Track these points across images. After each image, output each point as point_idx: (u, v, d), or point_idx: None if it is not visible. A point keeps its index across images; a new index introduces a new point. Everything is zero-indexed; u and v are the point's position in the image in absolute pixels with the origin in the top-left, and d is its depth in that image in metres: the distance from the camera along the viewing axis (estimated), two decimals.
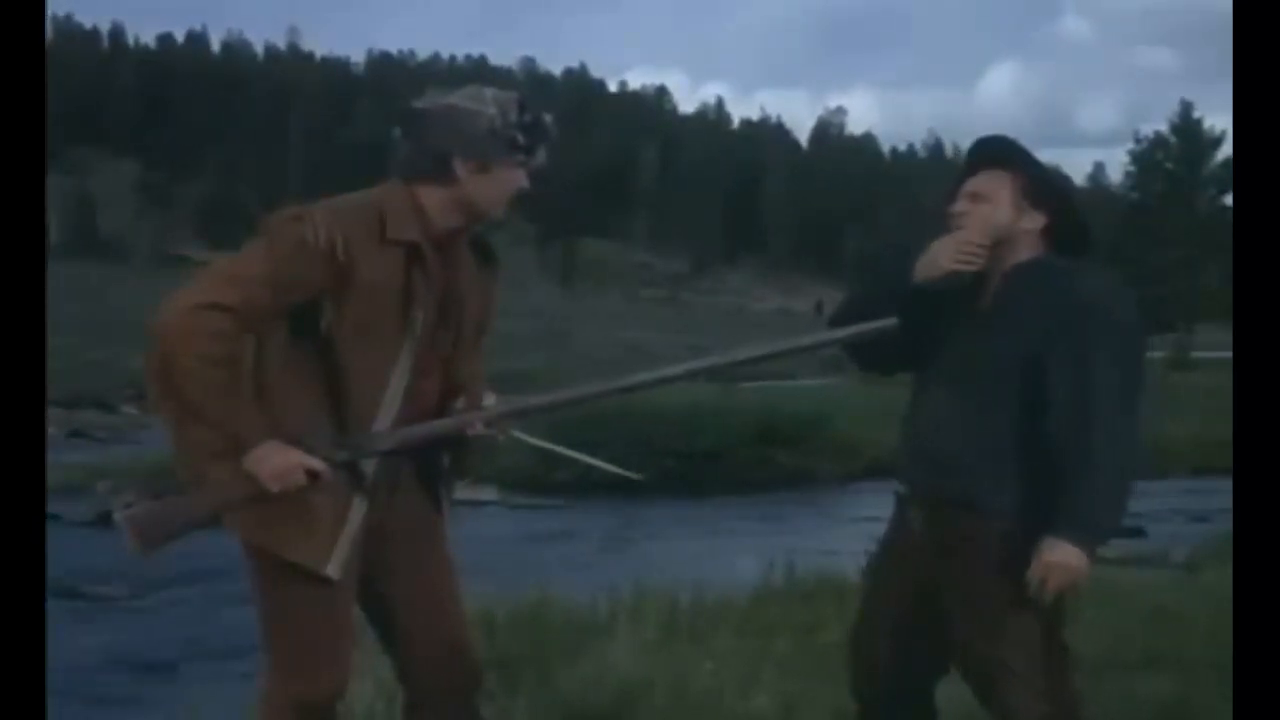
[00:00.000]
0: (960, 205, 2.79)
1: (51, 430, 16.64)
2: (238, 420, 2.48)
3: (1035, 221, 2.76)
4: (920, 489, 2.82)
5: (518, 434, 2.87)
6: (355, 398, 2.57)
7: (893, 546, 2.93)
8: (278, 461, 2.49)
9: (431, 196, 2.59)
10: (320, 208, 2.55)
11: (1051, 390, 2.64)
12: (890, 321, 2.70)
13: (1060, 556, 2.60)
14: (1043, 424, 2.66)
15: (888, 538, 2.96)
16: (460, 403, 2.72)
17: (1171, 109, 57.74)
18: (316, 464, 2.51)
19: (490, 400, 2.73)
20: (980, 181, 2.79)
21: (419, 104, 2.62)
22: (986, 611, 2.69)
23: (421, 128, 2.60)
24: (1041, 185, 2.78)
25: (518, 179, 2.62)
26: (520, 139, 2.58)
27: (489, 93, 2.59)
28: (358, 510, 2.61)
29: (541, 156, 2.63)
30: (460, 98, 2.59)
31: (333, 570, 2.56)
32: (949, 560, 2.73)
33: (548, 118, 2.63)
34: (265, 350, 2.57)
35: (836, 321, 2.84)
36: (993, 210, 2.75)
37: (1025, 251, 2.77)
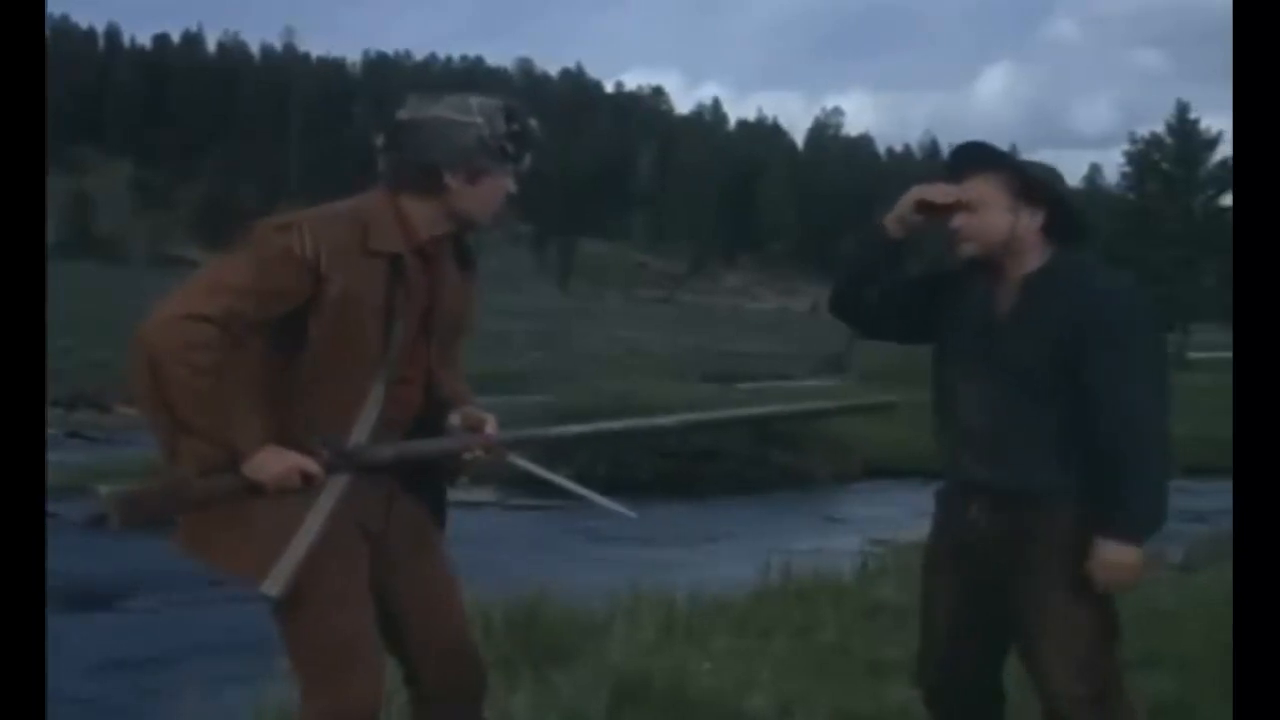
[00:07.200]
0: (958, 219, 2.82)
1: (51, 430, 16.60)
2: (232, 428, 2.45)
3: (1035, 219, 2.81)
4: (981, 486, 2.87)
5: (512, 459, 2.89)
6: (332, 405, 2.55)
7: (946, 543, 2.98)
8: (276, 466, 2.47)
9: (418, 207, 2.58)
10: (306, 217, 2.53)
11: (1093, 393, 2.72)
12: (888, 400, 2.98)
13: (1117, 556, 2.71)
14: (1088, 423, 2.74)
15: (939, 537, 3.01)
16: (455, 417, 2.70)
17: (1167, 110, 57.74)
18: (312, 466, 2.50)
19: (490, 424, 2.69)
20: (970, 188, 2.81)
21: (403, 114, 2.60)
22: (1051, 599, 2.77)
23: (407, 140, 2.57)
24: (1032, 181, 2.82)
25: (506, 186, 2.62)
26: (509, 148, 2.57)
27: (474, 102, 2.57)
28: (310, 528, 2.50)
29: (528, 161, 2.63)
30: (446, 108, 2.56)
31: (269, 588, 2.47)
32: (1015, 551, 2.80)
33: (534, 123, 2.62)
34: (241, 358, 2.52)
35: (836, 300, 3.05)
36: (991, 215, 2.79)
37: (1034, 257, 2.82)
